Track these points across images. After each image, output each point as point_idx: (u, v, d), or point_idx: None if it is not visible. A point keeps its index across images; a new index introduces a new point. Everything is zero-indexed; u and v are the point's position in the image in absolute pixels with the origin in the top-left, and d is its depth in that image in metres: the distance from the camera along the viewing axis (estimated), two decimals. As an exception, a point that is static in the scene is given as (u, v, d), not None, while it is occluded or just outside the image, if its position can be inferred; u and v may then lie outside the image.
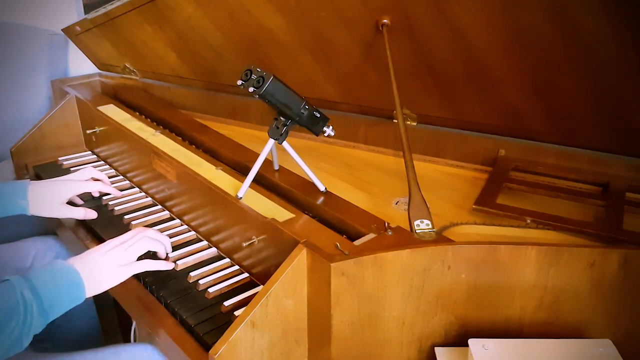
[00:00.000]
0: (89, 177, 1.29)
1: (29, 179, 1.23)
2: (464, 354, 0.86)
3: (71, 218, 1.26)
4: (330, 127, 1.08)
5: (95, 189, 1.29)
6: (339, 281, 0.82)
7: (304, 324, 0.90)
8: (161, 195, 1.30)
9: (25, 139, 1.57)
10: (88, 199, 1.36)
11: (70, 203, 1.27)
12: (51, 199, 1.20)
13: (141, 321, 1.08)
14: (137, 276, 1.09)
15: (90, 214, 1.24)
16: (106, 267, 0.97)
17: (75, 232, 1.29)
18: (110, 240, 1.02)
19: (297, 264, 0.85)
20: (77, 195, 1.29)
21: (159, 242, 1.06)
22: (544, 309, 0.86)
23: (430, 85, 1.25)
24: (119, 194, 1.35)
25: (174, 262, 1.10)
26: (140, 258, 1.02)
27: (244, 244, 1.01)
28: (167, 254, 1.11)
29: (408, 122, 1.35)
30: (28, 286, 0.87)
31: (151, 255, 1.09)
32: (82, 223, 1.30)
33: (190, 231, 1.21)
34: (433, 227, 0.91)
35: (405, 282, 0.84)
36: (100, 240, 1.22)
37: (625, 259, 0.83)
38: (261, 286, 0.97)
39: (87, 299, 1.35)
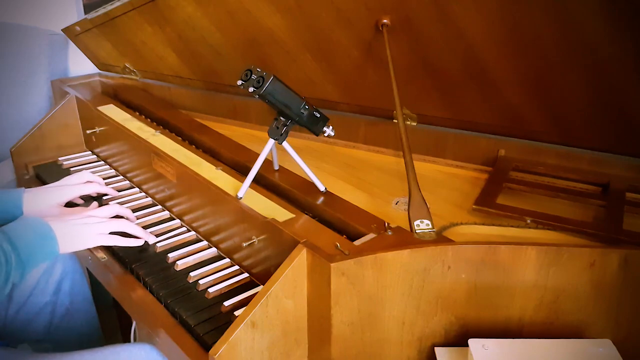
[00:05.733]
0: (85, 180, 1.28)
1: (23, 187, 1.21)
2: (464, 354, 0.86)
3: None
4: (330, 127, 1.08)
5: (91, 191, 1.28)
6: (339, 281, 0.82)
7: (304, 324, 0.90)
8: (161, 195, 1.30)
9: (25, 139, 1.57)
10: (88, 199, 1.35)
11: (71, 204, 1.27)
12: (46, 205, 1.19)
13: (141, 321, 1.08)
14: (137, 276, 1.10)
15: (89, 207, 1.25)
16: (81, 232, 1.04)
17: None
18: (91, 209, 1.13)
19: (297, 264, 0.85)
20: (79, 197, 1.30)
21: (137, 228, 1.13)
22: (544, 309, 0.86)
23: (430, 85, 1.25)
24: (116, 193, 1.35)
25: (174, 262, 1.10)
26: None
27: (244, 244, 1.01)
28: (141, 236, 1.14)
29: (408, 122, 1.35)
30: (6, 239, 0.92)
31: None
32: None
33: (190, 231, 1.21)
34: (433, 227, 0.91)
35: (405, 282, 0.84)
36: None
37: (625, 259, 0.83)
38: (261, 286, 0.97)
39: (87, 299, 1.37)
